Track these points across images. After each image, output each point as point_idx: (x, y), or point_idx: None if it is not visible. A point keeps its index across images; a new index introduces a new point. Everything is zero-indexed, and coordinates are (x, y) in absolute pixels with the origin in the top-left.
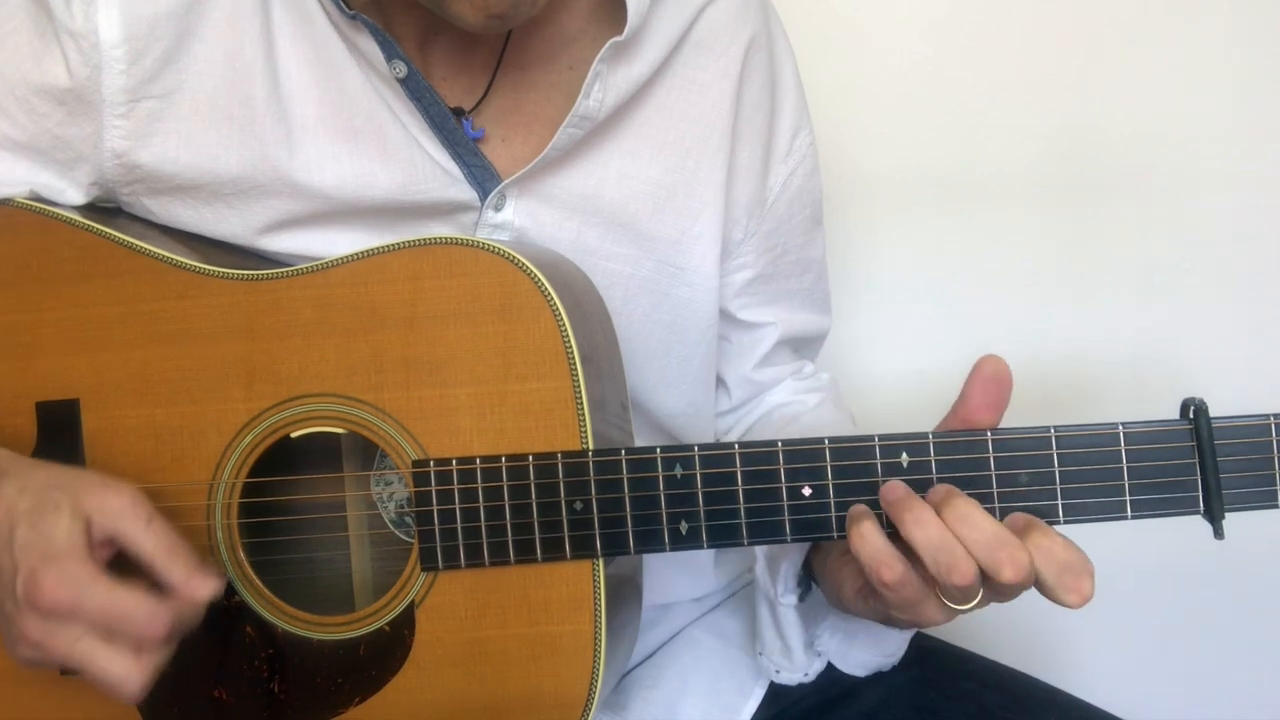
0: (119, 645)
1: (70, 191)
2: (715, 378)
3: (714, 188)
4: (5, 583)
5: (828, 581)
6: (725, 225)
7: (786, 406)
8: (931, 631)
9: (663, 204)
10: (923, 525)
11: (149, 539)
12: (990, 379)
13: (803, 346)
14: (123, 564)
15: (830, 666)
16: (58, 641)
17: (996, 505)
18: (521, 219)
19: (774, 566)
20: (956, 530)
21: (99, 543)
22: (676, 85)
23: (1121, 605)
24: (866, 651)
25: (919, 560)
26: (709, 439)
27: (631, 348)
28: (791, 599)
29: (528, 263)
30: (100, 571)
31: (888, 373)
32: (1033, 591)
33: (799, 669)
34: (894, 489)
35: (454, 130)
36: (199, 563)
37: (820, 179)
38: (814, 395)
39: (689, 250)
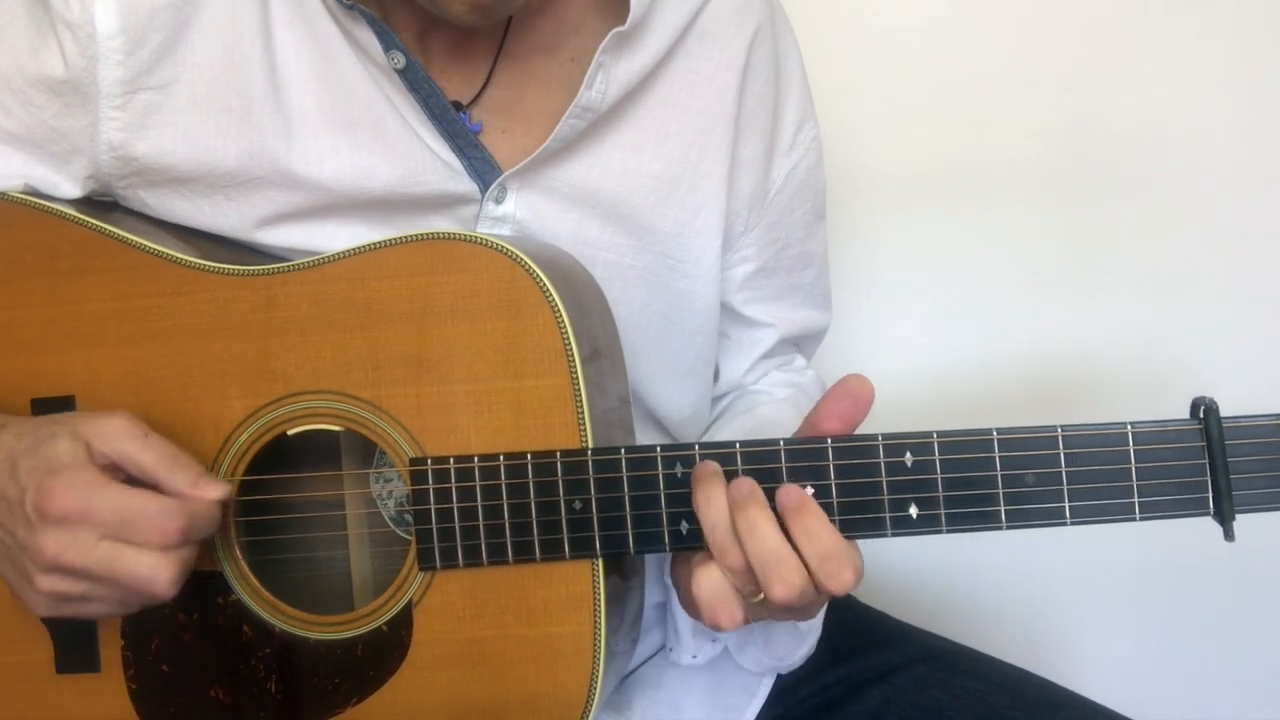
0: (140, 545)
1: (66, 185)
2: (713, 372)
3: (716, 181)
4: (15, 511)
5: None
6: (727, 218)
7: (753, 395)
8: (938, 631)
9: (665, 197)
10: (711, 504)
11: (148, 453)
12: (844, 394)
13: (803, 343)
14: None
15: (834, 667)
16: (76, 551)
17: (1002, 506)
18: (523, 212)
19: None
20: (744, 540)
21: (101, 466)
22: (680, 77)
23: (1126, 604)
24: (760, 651)
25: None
26: (702, 430)
27: (630, 339)
28: (670, 580)
29: (527, 259)
30: (106, 477)
31: (890, 371)
32: (1035, 589)
33: (686, 650)
34: (704, 466)
35: (454, 122)
36: (202, 470)
37: (824, 173)
38: (785, 390)
39: (689, 244)
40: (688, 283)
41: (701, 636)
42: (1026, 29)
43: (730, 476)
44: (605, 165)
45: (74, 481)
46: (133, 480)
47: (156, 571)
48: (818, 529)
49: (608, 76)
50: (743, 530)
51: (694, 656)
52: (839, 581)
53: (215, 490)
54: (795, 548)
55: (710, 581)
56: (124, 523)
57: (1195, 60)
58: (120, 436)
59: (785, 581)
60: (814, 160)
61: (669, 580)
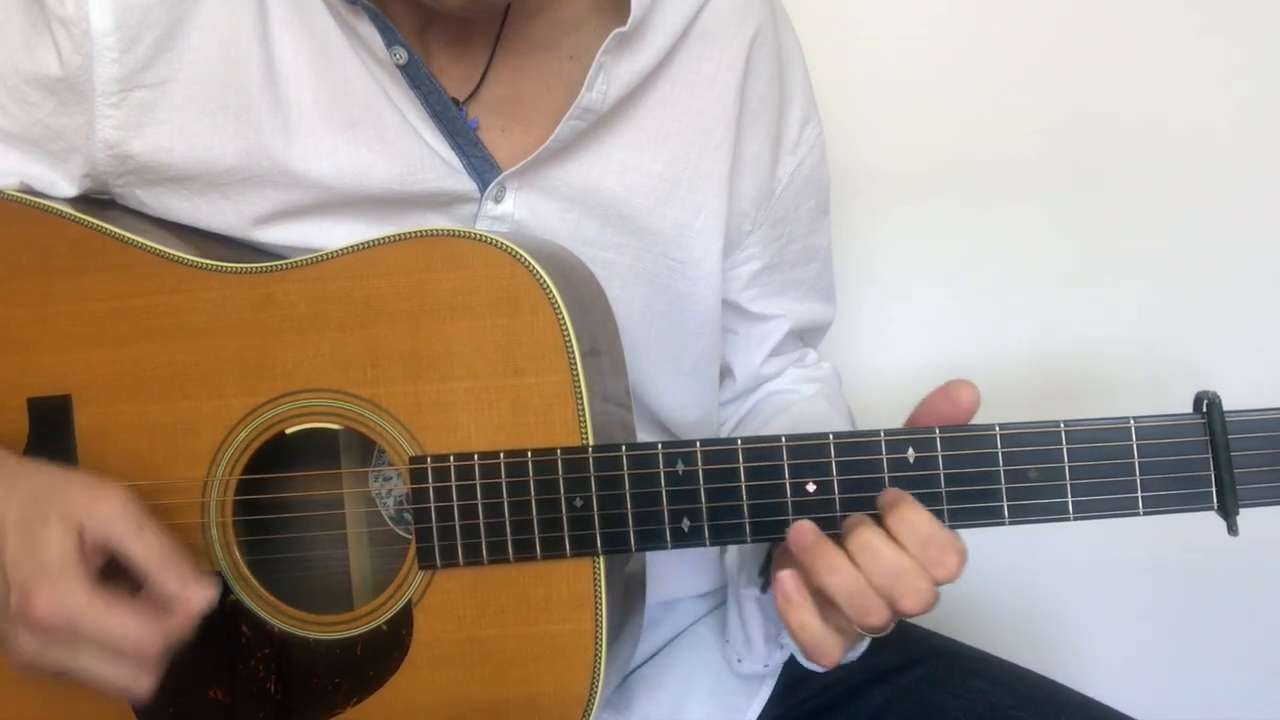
0: (118, 658)
1: (62, 183)
2: (717, 373)
3: (717, 182)
4: None
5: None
6: (729, 219)
7: (781, 395)
8: (940, 630)
9: (664, 197)
10: (837, 573)
11: (140, 548)
12: (946, 398)
13: (808, 336)
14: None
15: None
16: (53, 658)
17: (1005, 502)
18: (521, 211)
19: (741, 557)
20: (859, 560)
21: (92, 549)
22: (680, 77)
23: (1129, 603)
24: None
25: (835, 605)
26: (709, 434)
27: (630, 338)
28: (753, 591)
29: (527, 256)
30: (94, 588)
31: (894, 367)
32: (1038, 588)
33: (759, 660)
34: (803, 534)
35: (454, 119)
36: (192, 570)
37: (828, 169)
38: (811, 385)
39: (689, 245)
40: (688, 284)
41: (772, 643)
42: (1028, 27)
43: (728, 475)
44: (604, 165)
45: (59, 594)
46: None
47: (136, 684)
48: (915, 518)
49: (608, 77)
50: (857, 554)
51: (765, 665)
52: (944, 568)
53: (199, 601)
54: (899, 543)
55: (812, 628)
56: (104, 644)
57: (1197, 57)
58: (112, 524)
59: (914, 590)
60: (818, 157)
61: (744, 591)
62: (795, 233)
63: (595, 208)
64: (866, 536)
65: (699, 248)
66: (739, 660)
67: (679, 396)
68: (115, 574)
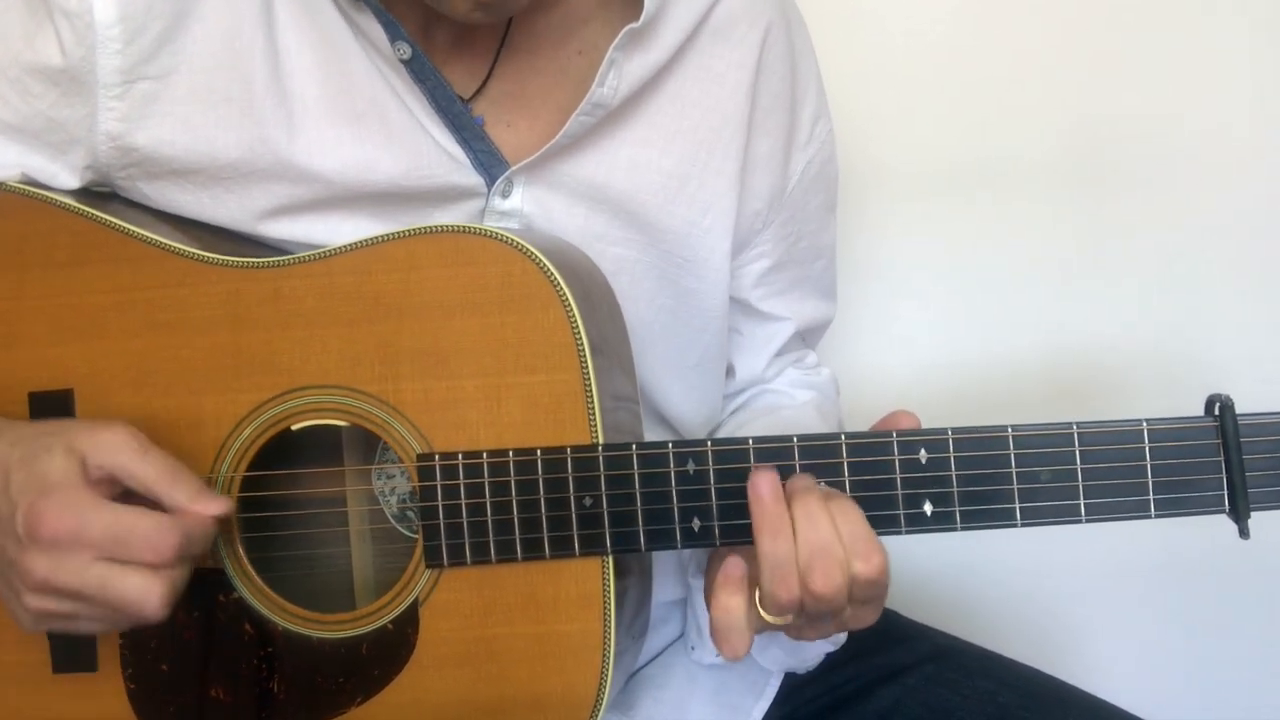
0: (131, 566)
1: (63, 175)
2: (722, 370)
3: (727, 180)
4: (5, 528)
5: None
6: (739, 218)
7: (774, 395)
8: (947, 629)
9: (673, 195)
10: (780, 539)
11: (147, 468)
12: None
13: (809, 336)
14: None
15: (843, 665)
16: (67, 573)
17: (1017, 504)
18: (530, 206)
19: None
20: (798, 524)
21: (96, 480)
22: (691, 74)
23: (1138, 603)
24: (783, 651)
25: (758, 566)
26: (713, 430)
27: (636, 333)
28: (701, 580)
29: (537, 252)
30: (100, 498)
31: (902, 367)
32: (1047, 588)
33: (709, 650)
34: (765, 484)
35: (460, 114)
36: (203, 485)
37: (837, 165)
38: (806, 393)
39: (697, 243)
40: (695, 281)
41: None
42: (1034, 27)
43: (739, 474)
44: (613, 161)
45: (66, 503)
46: (129, 495)
47: (147, 593)
48: (853, 513)
49: (619, 73)
50: (800, 518)
51: (716, 656)
52: (867, 563)
53: (216, 506)
54: (835, 524)
55: (729, 609)
56: (116, 541)
57: (1201, 57)
58: (118, 450)
59: (828, 572)
60: (828, 154)
61: (693, 580)
62: (804, 229)
63: (604, 204)
64: (814, 505)
65: (707, 246)
66: (692, 648)
67: (683, 392)
68: None
